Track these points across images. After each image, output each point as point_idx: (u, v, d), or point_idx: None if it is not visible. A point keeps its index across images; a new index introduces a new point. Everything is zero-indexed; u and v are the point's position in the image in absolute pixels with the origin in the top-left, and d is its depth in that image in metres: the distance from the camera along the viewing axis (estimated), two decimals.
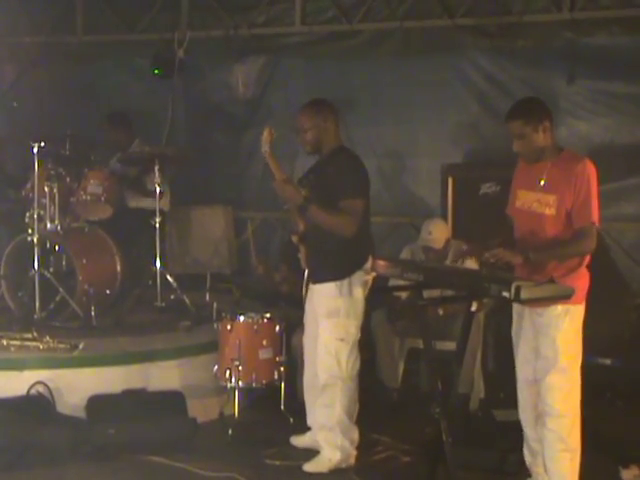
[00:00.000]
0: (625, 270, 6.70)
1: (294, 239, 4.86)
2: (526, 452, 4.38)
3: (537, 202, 4.15)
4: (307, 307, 4.96)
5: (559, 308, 4.06)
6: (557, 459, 4.15)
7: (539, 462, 4.28)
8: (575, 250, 4.10)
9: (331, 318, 4.67)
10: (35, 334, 5.41)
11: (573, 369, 4.13)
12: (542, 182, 4.13)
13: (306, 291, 4.94)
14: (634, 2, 6.67)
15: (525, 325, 4.27)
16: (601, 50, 6.74)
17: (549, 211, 4.10)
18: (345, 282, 4.64)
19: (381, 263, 4.40)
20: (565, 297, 3.97)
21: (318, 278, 4.76)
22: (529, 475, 4.37)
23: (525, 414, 4.34)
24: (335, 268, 4.67)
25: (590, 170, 4.06)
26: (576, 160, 4.11)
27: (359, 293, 4.68)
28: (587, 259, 4.16)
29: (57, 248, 6.19)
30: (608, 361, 5.90)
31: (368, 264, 4.63)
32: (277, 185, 4.73)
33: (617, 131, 6.77)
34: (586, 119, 6.84)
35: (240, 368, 5.15)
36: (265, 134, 4.79)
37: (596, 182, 4.06)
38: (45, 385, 5.02)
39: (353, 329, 4.71)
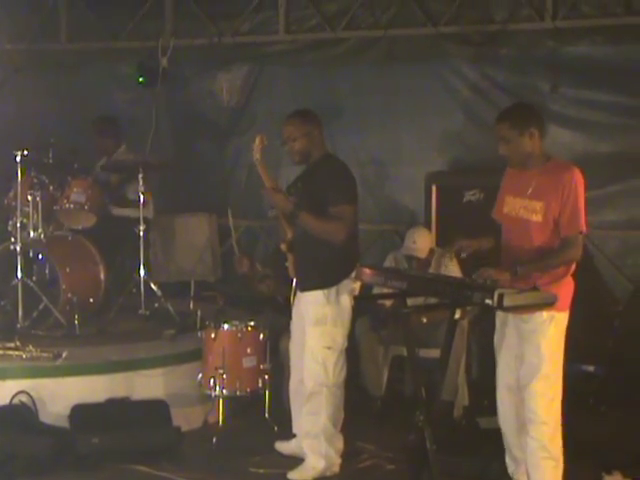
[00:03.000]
0: (608, 277, 6.73)
1: (282, 247, 4.85)
2: (509, 461, 4.39)
3: (524, 208, 4.16)
4: (294, 314, 4.95)
5: (544, 315, 4.07)
6: (540, 467, 4.16)
7: (522, 470, 4.28)
8: (562, 259, 4.11)
9: (318, 326, 4.67)
10: (18, 343, 5.38)
11: (556, 376, 4.15)
12: (529, 190, 4.14)
13: (294, 299, 4.94)
14: (616, 11, 6.72)
15: (509, 333, 4.27)
16: (584, 59, 6.78)
17: (536, 217, 4.11)
18: (333, 290, 4.65)
19: (366, 271, 4.40)
20: (548, 304, 3.98)
21: (306, 286, 4.76)
22: None
23: (507, 423, 4.34)
24: (323, 276, 4.67)
25: (578, 178, 4.07)
26: (564, 168, 4.13)
27: (346, 301, 4.68)
28: (572, 267, 4.17)
29: (40, 256, 6.16)
30: (591, 368, 5.94)
31: (354, 272, 4.64)
32: (267, 193, 4.74)
33: (600, 139, 6.80)
34: (569, 127, 6.85)
35: (224, 376, 5.14)
36: (257, 142, 4.78)
37: (583, 190, 4.08)
38: (28, 394, 4.99)
39: (340, 337, 4.71)
